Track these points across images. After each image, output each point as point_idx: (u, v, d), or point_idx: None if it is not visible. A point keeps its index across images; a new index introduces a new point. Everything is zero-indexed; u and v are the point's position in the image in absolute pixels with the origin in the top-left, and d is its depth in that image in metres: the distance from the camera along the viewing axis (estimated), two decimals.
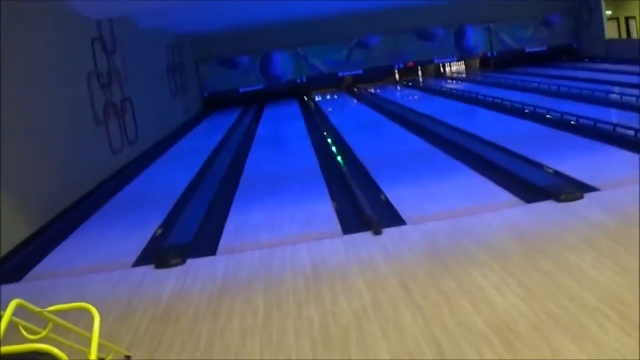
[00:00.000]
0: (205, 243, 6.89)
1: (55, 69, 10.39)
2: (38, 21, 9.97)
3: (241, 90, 24.72)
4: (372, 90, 23.20)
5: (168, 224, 7.95)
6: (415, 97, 20.59)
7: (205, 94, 24.73)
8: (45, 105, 9.77)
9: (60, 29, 10.98)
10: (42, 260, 7.23)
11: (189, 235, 7.18)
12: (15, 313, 3.04)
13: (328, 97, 24.11)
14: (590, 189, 6.82)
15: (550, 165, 8.05)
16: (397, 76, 26.25)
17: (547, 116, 12.05)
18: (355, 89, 24.50)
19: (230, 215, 7.97)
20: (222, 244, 6.81)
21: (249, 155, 12.67)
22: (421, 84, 23.91)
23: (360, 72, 25.32)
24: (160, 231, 7.62)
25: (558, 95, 15.18)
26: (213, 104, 24.53)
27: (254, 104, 23.61)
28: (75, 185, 10.31)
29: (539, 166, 8.18)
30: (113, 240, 7.70)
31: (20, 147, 8.56)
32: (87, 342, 3.33)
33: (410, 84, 24.46)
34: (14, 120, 8.44)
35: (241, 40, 24.36)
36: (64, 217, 9.22)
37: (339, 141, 12.58)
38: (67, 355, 2.86)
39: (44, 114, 9.69)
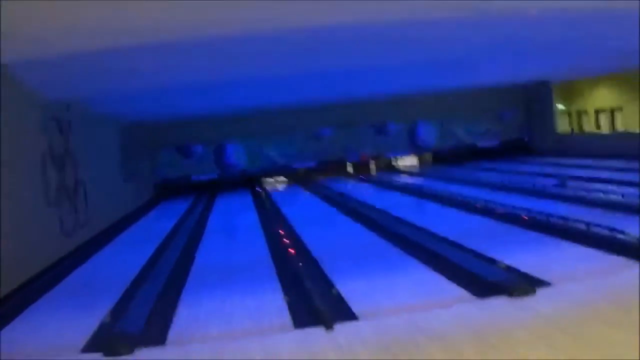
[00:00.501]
0: (154, 332, 6.72)
1: (11, 148, 10.28)
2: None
3: (194, 178, 24.71)
4: (325, 183, 23.32)
5: (118, 310, 7.78)
6: (368, 190, 20.74)
7: (158, 181, 24.59)
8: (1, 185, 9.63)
9: (16, 108, 10.91)
10: None
11: (139, 323, 7.01)
12: None
13: (281, 188, 24.21)
14: (543, 283, 6.88)
15: (502, 260, 8.11)
16: (350, 169, 26.53)
17: (499, 211, 12.22)
18: (308, 181, 24.63)
19: (180, 304, 7.83)
20: (172, 333, 6.66)
21: (201, 244, 12.55)
22: (374, 178, 24.14)
23: (314, 164, 25.52)
24: (109, 318, 7.43)
25: (510, 189, 15.50)
26: (165, 190, 24.38)
27: (207, 192, 23.55)
28: (24, 266, 10.07)
29: (491, 261, 8.24)
30: (61, 325, 7.50)
31: None
32: None
33: (363, 177, 24.69)
34: None
35: (196, 129, 24.44)
36: (11, 299, 8.97)
37: (291, 233, 12.56)
38: None
39: None
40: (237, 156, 25.19)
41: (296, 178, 25.88)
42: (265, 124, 24.92)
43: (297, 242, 11.44)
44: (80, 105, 14.72)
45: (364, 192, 20.39)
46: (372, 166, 26.92)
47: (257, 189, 23.35)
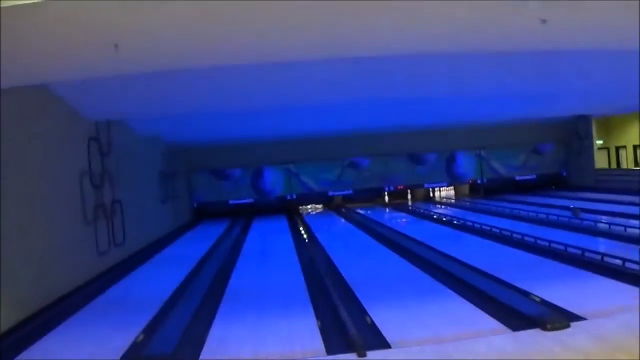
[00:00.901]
0: (186, 354, 6.77)
1: (50, 165, 10.49)
2: (38, 117, 10.12)
3: (231, 202, 24.90)
4: (361, 211, 23.30)
5: (150, 330, 7.83)
6: (404, 220, 20.68)
7: (195, 204, 24.84)
8: (37, 201, 9.81)
9: (58, 126, 11.13)
10: (18, 356, 7.13)
11: (170, 344, 7.05)
12: None
13: (317, 215, 24.22)
14: (577, 317, 6.83)
15: (537, 294, 8.05)
16: (386, 198, 26.59)
17: (535, 244, 12.11)
18: (344, 209, 24.68)
19: (212, 327, 7.86)
20: (204, 356, 6.70)
21: (235, 267, 12.58)
22: (410, 207, 24.10)
23: (350, 192, 25.59)
24: (142, 337, 7.49)
25: (547, 223, 15.37)
26: (203, 213, 24.65)
27: (243, 216, 23.71)
28: (59, 283, 10.21)
29: (526, 294, 8.17)
30: (93, 342, 7.58)
31: (7, 240, 8.53)
32: None
33: (399, 206, 24.63)
34: (4, 214, 8.46)
35: (234, 153, 24.75)
36: (45, 314, 9.08)
37: (326, 260, 12.56)
38: None
39: (35, 209, 9.72)
40: (274, 182, 25.32)
41: (332, 205, 26.04)
42: (303, 151, 25.15)
43: (332, 269, 11.45)
44: (122, 125, 14.99)
45: (399, 221, 20.34)
46: (409, 196, 26.98)
47: (293, 214, 23.41)
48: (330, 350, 6.54)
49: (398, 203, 25.81)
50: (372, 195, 26.26)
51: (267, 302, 9.17)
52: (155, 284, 11.60)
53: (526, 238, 12.76)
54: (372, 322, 7.49)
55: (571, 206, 17.66)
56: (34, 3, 5.57)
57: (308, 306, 8.60)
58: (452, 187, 27.35)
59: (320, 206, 26.39)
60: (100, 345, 7.42)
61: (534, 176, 26.28)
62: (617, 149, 27.91)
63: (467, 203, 23.42)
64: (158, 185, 19.16)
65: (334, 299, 8.71)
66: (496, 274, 9.61)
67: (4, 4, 5.54)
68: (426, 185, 26.36)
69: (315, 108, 15.36)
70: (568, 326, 6.46)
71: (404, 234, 15.59)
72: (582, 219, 15.15)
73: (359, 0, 6.20)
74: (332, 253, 13.37)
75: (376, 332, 7.08)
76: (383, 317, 7.62)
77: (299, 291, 9.69)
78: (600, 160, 26.40)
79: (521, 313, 7.15)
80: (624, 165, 27.38)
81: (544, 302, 7.65)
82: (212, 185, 24.92)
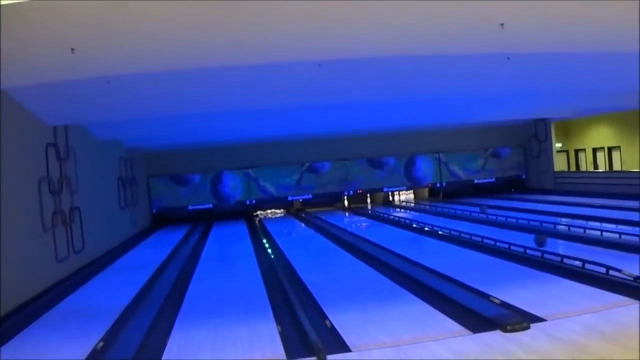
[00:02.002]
0: (147, 359, 6.70)
1: (7, 171, 10.28)
2: None
3: (190, 207, 24.76)
4: (321, 216, 23.33)
5: (109, 337, 7.75)
6: (364, 224, 20.73)
7: (155, 209, 24.64)
8: None
9: (16, 131, 10.93)
10: None
11: (130, 350, 6.98)
12: None
13: (277, 219, 24.18)
14: (537, 319, 6.90)
15: (497, 296, 8.11)
16: (346, 202, 26.62)
17: (494, 247, 12.21)
18: (303, 214, 24.70)
19: (172, 333, 7.80)
20: None
21: (195, 273, 12.49)
22: (370, 211, 24.18)
23: (310, 196, 25.59)
24: (101, 344, 7.40)
25: (506, 226, 15.53)
26: (162, 219, 24.49)
27: (203, 221, 23.61)
28: (17, 291, 10.04)
29: (486, 296, 8.23)
30: (53, 350, 7.50)
31: None
32: None
33: (359, 210, 24.71)
34: None
35: (193, 159, 24.67)
36: (3, 323, 8.93)
37: (286, 265, 12.53)
38: None
39: None
40: (234, 187, 25.21)
41: (292, 210, 26.03)
42: (263, 156, 25.15)
43: (291, 274, 11.43)
44: (80, 130, 14.78)
45: (359, 225, 20.38)
46: (369, 200, 27.09)
47: (253, 219, 23.35)
48: (290, 355, 6.52)
49: (358, 207, 25.87)
50: (332, 200, 26.31)
51: (227, 307, 9.12)
52: (114, 291, 11.46)
53: (485, 240, 12.84)
54: (332, 326, 7.48)
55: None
56: None
57: (268, 311, 8.56)
58: (411, 191, 27.51)
59: (280, 211, 26.36)
60: (58, 353, 7.32)
61: (493, 179, 26.53)
62: (577, 151, 28.37)
63: (427, 206, 23.56)
64: (117, 191, 18.95)
65: (294, 303, 8.70)
66: (456, 277, 9.66)
67: None
68: (385, 189, 26.41)
69: (274, 112, 15.33)
70: (528, 327, 6.54)
71: (364, 238, 15.61)
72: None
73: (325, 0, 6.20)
74: (292, 258, 13.34)
75: (336, 336, 7.07)
76: (343, 321, 7.62)
77: (259, 296, 9.63)
78: (559, 163, 26.77)
79: (481, 315, 7.21)
80: (583, 168, 27.83)
81: (504, 304, 7.71)
82: (171, 191, 24.73)
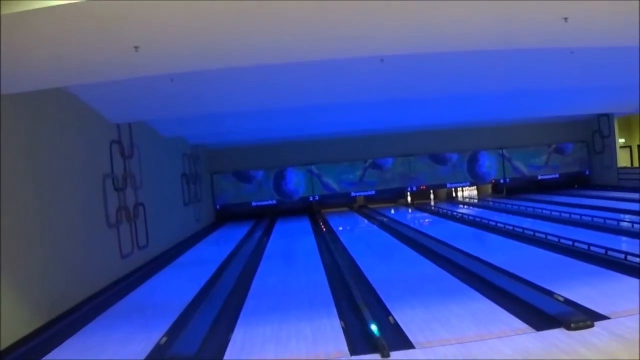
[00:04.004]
0: (209, 355, 6.83)
1: (72, 168, 10.58)
2: (60, 120, 10.25)
3: (254, 204, 25.02)
4: (384, 212, 23.30)
5: (173, 332, 7.88)
6: (427, 220, 20.63)
7: (218, 206, 24.98)
8: (60, 204, 9.92)
9: (81, 129, 11.22)
10: (42, 358, 7.24)
11: (193, 346, 7.08)
12: None
13: (339, 216, 24.21)
14: (601, 317, 6.81)
15: (561, 293, 8.00)
16: (409, 199, 26.54)
17: (558, 244, 12.03)
18: (366, 210, 24.69)
19: (236, 328, 7.88)
20: (227, 356, 6.74)
21: (258, 269, 12.60)
22: (433, 208, 24.05)
23: (373, 192, 25.61)
24: (165, 339, 7.53)
25: (569, 223, 15.26)
26: (225, 215, 24.82)
27: (266, 218, 23.84)
28: (82, 286, 10.32)
29: (549, 293, 8.12)
30: (116, 345, 7.64)
31: (29, 242, 8.69)
32: None
33: (422, 207, 24.63)
34: (27, 216, 8.64)
35: (256, 155, 24.96)
36: (69, 317, 9.19)
37: (349, 261, 12.54)
38: None
39: (57, 212, 9.83)
40: (297, 183, 25.40)
41: (355, 206, 26.07)
42: (326, 152, 25.33)
43: (355, 270, 11.44)
44: (144, 127, 15.07)
45: (422, 221, 20.28)
46: (432, 196, 26.96)
47: (316, 215, 23.45)
48: (354, 351, 6.54)
49: (421, 203, 25.77)
50: (395, 196, 26.31)
51: (290, 303, 9.18)
52: (178, 287, 11.68)
53: (549, 237, 12.67)
54: (396, 322, 7.48)
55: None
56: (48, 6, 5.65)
57: (331, 307, 8.59)
58: (474, 187, 27.26)
59: (343, 207, 26.37)
60: (122, 348, 7.47)
61: (556, 175, 26.13)
62: None
63: (490, 202, 23.32)
64: (181, 188, 19.26)
65: (357, 299, 8.71)
66: (519, 274, 9.55)
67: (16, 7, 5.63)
68: (448, 185, 26.28)
69: (338, 108, 15.36)
70: (592, 325, 6.45)
71: (427, 234, 15.56)
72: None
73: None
74: (355, 254, 13.36)
75: (399, 332, 7.07)
76: (406, 318, 7.61)
77: (322, 292, 9.69)
78: (622, 159, 26.16)
79: (545, 312, 7.12)
80: None
81: (568, 302, 7.60)
82: (234, 187, 25.06)
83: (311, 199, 25.46)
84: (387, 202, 26.28)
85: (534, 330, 6.64)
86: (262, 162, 25.21)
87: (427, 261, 11.91)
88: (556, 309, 7.20)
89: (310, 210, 25.26)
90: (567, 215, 16.17)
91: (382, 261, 12.95)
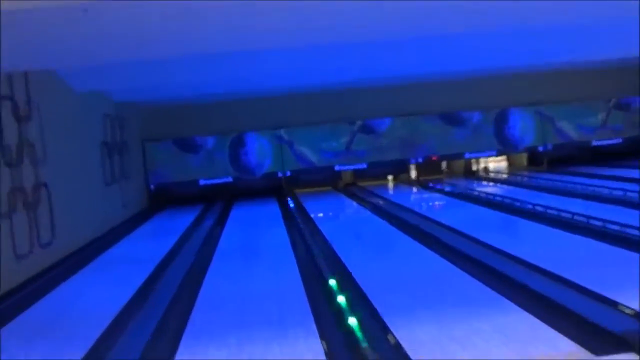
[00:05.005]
0: None
1: None
2: None
3: (202, 182, 24.87)
4: (379, 192, 23.36)
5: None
6: (438, 202, 20.70)
7: (153, 186, 24.81)
8: None
9: None
10: None
11: None
12: None
13: (319, 198, 24.20)
14: None
15: (628, 304, 7.85)
16: (413, 174, 26.54)
17: (623, 235, 11.94)
18: (355, 189, 24.75)
19: (177, 354, 7.77)
20: None
21: (208, 272, 12.52)
22: (446, 186, 24.11)
23: (365, 166, 25.52)
24: None
25: (634, 205, 15.22)
26: (163, 198, 24.78)
27: (219, 201, 23.88)
28: None
29: (613, 304, 8.01)
30: None
31: None
32: None
33: (431, 184, 24.65)
34: None
35: (206, 116, 24.83)
36: None
37: (333, 259, 12.52)
38: None
39: None
40: (261, 154, 25.25)
41: (340, 185, 26.10)
42: (300, 111, 25.22)
43: (341, 271, 11.36)
44: (47, 79, 14.74)
45: (432, 204, 20.34)
46: (444, 170, 26.97)
47: (288, 198, 23.44)
48: None
49: (429, 180, 25.75)
50: (394, 170, 26.31)
51: (253, 318, 9.08)
52: (96, 298, 11.47)
53: (608, 226, 12.62)
54: (397, 342, 7.38)
55: None
56: None
57: (309, 322, 8.48)
58: (503, 157, 27.27)
59: (324, 186, 26.29)
60: None
61: (618, 140, 26.03)
62: None
63: (525, 178, 23.42)
64: (100, 161, 19.03)
65: (344, 311, 8.63)
66: (569, 276, 9.43)
67: None
68: (467, 155, 26.20)
69: (315, 48, 15.14)
70: None
71: (439, 222, 15.55)
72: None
73: None
74: (341, 250, 13.31)
75: (403, 356, 6.97)
76: (412, 336, 7.51)
77: (296, 303, 9.58)
78: None
79: (607, 330, 7.01)
80: None
81: (638, 316, 7.49)
82: (175, 160, 24.82)
83: (280, 175, 25.32)
84: (384, 179, 26.35)
85: (592, 356, 6.53)
86: (214, 125, 25.06)
87: (440, 258, 11.83)
88: (622, 326, 7.06)
89: (279, 190, 25.16)
90: (634, 195, 16.21)
91: (378, 259, 12.84)
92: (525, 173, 25.16)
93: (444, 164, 27.03)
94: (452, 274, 10.66)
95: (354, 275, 10.95)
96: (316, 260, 12.26)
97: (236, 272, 12.67)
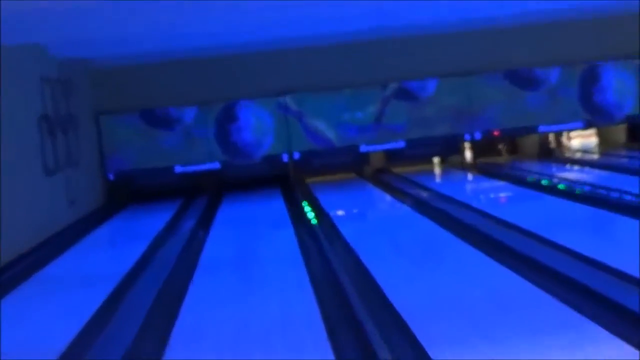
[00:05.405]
0: None
1: None
2: None
3: (179, 169, 24.81)
4: (422, 180, 23.34)
5: None
6: (503, 194, 20.64)
7: (112, 174, 24.72)
8: None
9: None
10: None
11: None
12: None
13: (339, 189, 24.22)
14: None
15: None
16: (468, 155, 26.51)
17: None
18: (389, 177, 24.75)
19: None
20: None
21: (188, 296, 12.41)
22: (514, 171, 24.01)
23: (402, 145, 25.41)
24: None
25: None
26: (126, 191, 24.78)
27: (203, 196, 23.93)
28: None
29: None
30: None
31: None
32: None
33: (493, 169, 24.63)
34: None
35: (184, 80, 24.70)
36: None
37: (360, 275, 12.41)
38: None
39: None
40: (259, 129, 25.16)
41: (368, 171, 26.06)
42: (311, 72, 25.10)
43: (370, 289, 11.29)
44: None
45: (494, 196, 20.31)
46: (510, 148, 26.95)
47: (295, 189, 23.50)
48: None
49: (491, 163, 25.72)
50: (442, 150, 26.24)
51: (252, 352, 9.02)
52: (32, 331, 11.35)
53: None
54: None
55: None
56: None
57: (328, 355, 8.47)
58: (592, 131, 27.12)
59: (346, 173, 26.27)
60: None
61: None
62: None
63: (624, 159, 23.28)
64: (39, 142, 18.94)
65: (373, 342, 8.54)
66: None
67: None
68: (542, 129, 26.10)
69: None
70: None
71: (506, 222, 15.42)
72: None
73: None
74: (370, 260, 13.17)
75: None
76: None
77: (311, 336, 9.46)
78: None
79: None
80: None
81: None
82: (143, 140, 24.72)
83: (286, 158, 25.24)
84: (428, 163, 26.36)
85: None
86: (195, 91, 24.91)
87: (508, 271, 11.71)
88: None
89: (284, 180, 25.16)
90: None
91: (423, 275, 12.66)
92: (624, 153, 25.03)
93: (503, 145, 26.94)
94: (525, 292, 10.52)
95: (389, 297, 10.78)
96: (337, 277, 12.16)
97: (226, 294, 12.58)
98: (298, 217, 18.92)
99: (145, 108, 24.65)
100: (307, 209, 19.78)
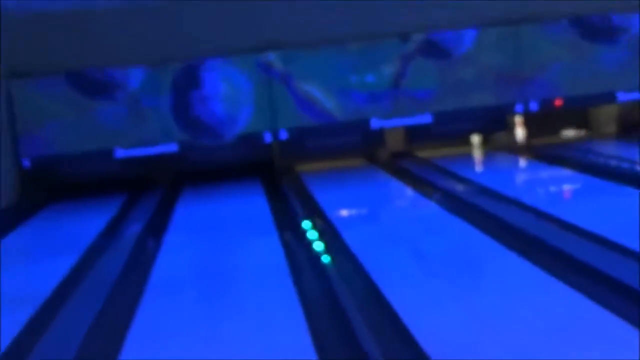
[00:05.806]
0: None
1: None
2: None
3: (120, 153, 24.70)
4: (457, 168, 23.30)
5: None
6: (569, 187, 20.61)
7: (28, 160, 24.60)
8: None
9: None
10: None
11: None
12: None
13: (343, 180, 24.19)
14: None
15: None
16: (519, 132, 26.39)
17: None
18: (412, 163, 24.70)
19: None
20: None
21: (133, 326, 12.24)
22: (583, 155, 23.93)
23: (429, 119, 25.34)
24: None
25: None
26: (47, 183, 24.74)
27: (155, 189, 23.86)
28: None
29: None
30: None
31: None
32: None
33: (551, 152, 24.53)
34: None
35: (127, 31, 24.56)
36: None
37: (370, 297, 12.38)
38: None
39: None
40: (233, 98, 25.07)
41: (382, 155, 25.98)
42: (303, 20, 24.97)
43: (384, 314, 11.24)
44: None
45: (555, 189, 20.32)
46: (578, 123, 26.83)
47: (280, 179, 23.43)
48: None
49: (550, 143, 25.64)
50: (483, 126, 26.26)
51: None
52: None
53: None
54: None
55: None
56: None
57: None
58: None
59: (350, 156, 26.24)
60: None
61: None
62: None
63: None
64: None
65: None
66: None
67: None
68: (622, 97, 26.03)
69: None
70: None
71: (572, 226, 15.37)
72: None
73: None
74: (385, 280, 13.11)
75: None
76: None
77: None
78: None
79: None
80: None
81: None
82: (71, 113, 24.68)
83: (269, 138, 25.17)
84: (464, 144, 26.34)
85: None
86: (143, 46, 24.90)
87: (576, 294, 11.50)
88: None
89: (266, 167, 25.16)
90: None
91: (455, 297, 12.56)
92: None
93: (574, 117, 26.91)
94: (608, 326, 10.23)
95: (411, 330, 10.68)
96: (338, 303, 12.12)
97: (185, 326, 12.48)
98: (285, 219, 18.87)
99: (73, 69, 24.53)
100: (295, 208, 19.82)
